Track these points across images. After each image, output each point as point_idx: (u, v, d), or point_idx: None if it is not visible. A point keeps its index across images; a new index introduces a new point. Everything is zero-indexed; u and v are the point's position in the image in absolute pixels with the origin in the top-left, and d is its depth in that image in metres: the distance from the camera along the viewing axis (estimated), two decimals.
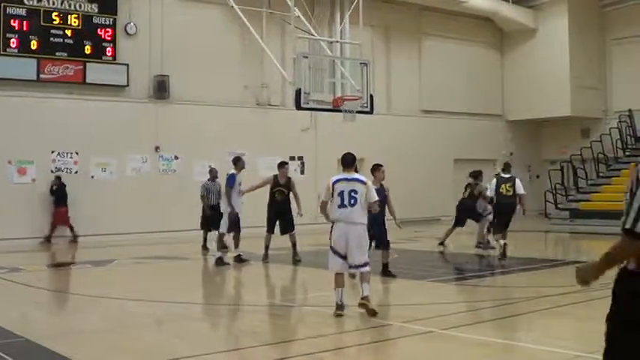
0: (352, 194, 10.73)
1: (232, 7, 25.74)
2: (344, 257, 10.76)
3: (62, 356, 8.52)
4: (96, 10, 25.55)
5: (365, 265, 10.82)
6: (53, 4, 24.82)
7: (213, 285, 16.65)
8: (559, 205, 32.59)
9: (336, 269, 10.87)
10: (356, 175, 11.10)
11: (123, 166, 26.04)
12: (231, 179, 17.39)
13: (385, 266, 15.10)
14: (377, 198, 11.07)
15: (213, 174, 21.54)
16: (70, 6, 25.10)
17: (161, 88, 26.56)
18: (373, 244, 14.80)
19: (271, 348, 9.30)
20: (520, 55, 36.42)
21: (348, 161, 11.18)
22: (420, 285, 14.40)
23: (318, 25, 28.25)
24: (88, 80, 25.29)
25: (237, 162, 17.88)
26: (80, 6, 25.27)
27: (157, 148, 26.60)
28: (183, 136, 26.78)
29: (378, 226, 14.39)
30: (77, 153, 25.07)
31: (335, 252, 10.84)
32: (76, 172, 25.06)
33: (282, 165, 18.34)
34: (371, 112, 23.31)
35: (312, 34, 25.87)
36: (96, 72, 25.41)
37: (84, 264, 18.78)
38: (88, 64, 25.26)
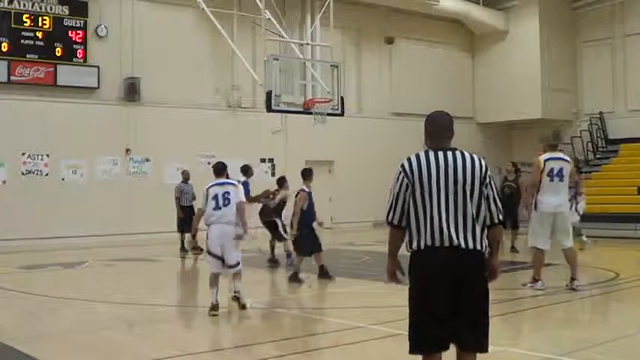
0: (226, 195, 11.61)
1: (203, 9, 25.68)
2: (221, 258, 11.52)
3: (33, 358, 8.50)
4: (67, 13, 25.42)
5: (237, 265, 11.63)
6: (24, 6, 24.65)
7: (184, 287, 16.70)
8: None
9: (214, 270, 11.59)
10: (226, 180, 12.14)
11: (93, 169, 25.91)
12: (246, 187, 16.92)
13: (321, 268, 15.21)
14: (243, 198, 11.98)
15: (186, 176, 21.71)
16: (40, 8, 24.94)
17: (132, 91, 26.44)
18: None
19: (241, 350, 9.33)
20: (491, 57, 36.53)
21: (219, 169, 12.19)
22: (391, 287, 14.39)
23: (288, 27, 28.18)
24: (58, 82, 25.15)
25: (248, 170, 18.57)
26: (51, 8, 25.13)
27: (127, 151, 26.50)
28: (154, 138, 26.71)
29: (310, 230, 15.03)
30: (48, 155, 24.93)
31: (212, 254, 11.61)
32: (47, 175, 24.94)
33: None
34: (341, 114, 23.37)
35: (282, 37, 25.82)
36: (67, 74, 25.28)
37: (54, 266, 18.68)
38: (58, 66, 25.12)
